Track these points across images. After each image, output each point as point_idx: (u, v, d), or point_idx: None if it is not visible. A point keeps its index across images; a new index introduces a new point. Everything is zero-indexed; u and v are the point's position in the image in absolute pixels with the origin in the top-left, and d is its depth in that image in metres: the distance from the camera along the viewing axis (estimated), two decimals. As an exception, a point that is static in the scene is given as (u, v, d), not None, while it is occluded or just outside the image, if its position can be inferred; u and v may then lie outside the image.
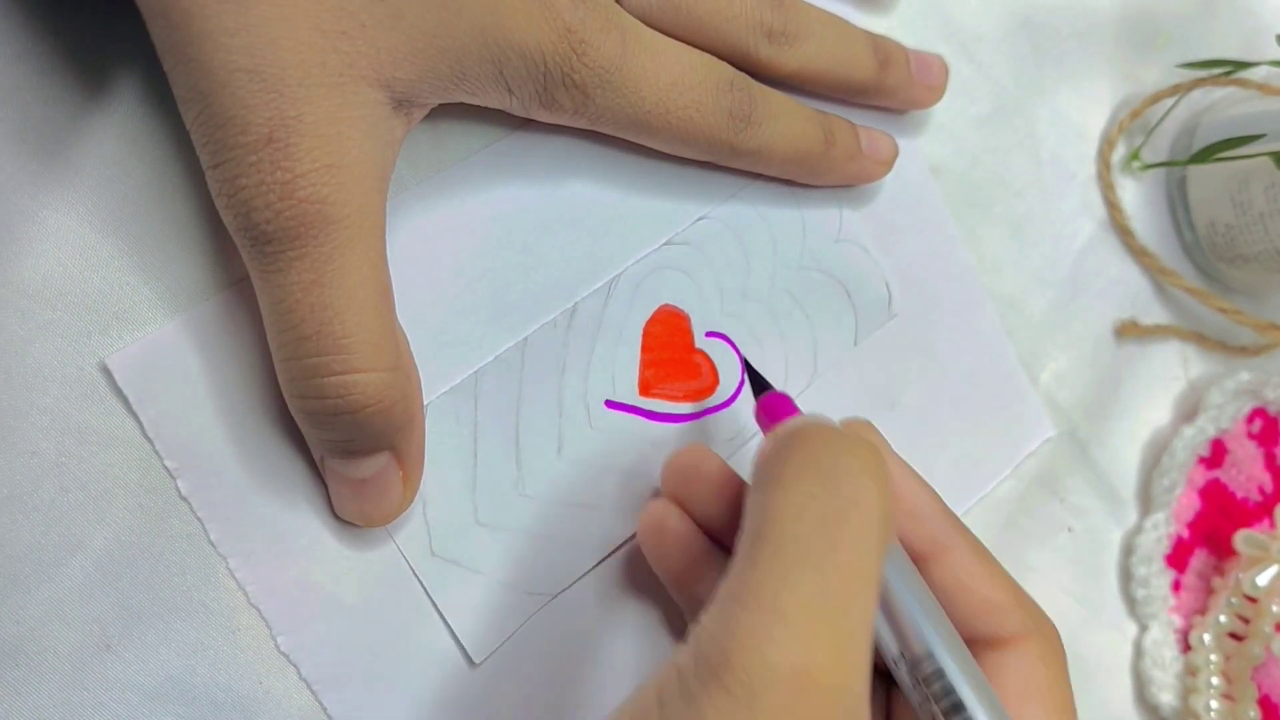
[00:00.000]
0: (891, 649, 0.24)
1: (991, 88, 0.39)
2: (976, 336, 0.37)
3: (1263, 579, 0.38)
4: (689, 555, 0.28)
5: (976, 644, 0.26)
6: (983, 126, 0.38)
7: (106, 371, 0.25)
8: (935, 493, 0.27)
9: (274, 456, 0.26)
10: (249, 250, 0.24)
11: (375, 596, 0.27)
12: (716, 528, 0.28)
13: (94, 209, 0.25)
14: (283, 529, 0.26)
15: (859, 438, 0.23)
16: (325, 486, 0.26)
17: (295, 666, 0.26)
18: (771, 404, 0.28)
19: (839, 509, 0.21)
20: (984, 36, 0.38)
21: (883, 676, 0.27)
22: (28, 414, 0.24)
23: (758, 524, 0.22)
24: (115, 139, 0.25)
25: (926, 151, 0.37)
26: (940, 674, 0.24)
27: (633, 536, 0.30)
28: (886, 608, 0.24)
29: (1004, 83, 0.39)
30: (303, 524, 0.26)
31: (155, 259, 0.26)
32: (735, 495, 0.28)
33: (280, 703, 0.26)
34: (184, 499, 0.25)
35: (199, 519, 0.25)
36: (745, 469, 0.32)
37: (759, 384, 0.29)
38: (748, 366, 0.30)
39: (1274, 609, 0.38)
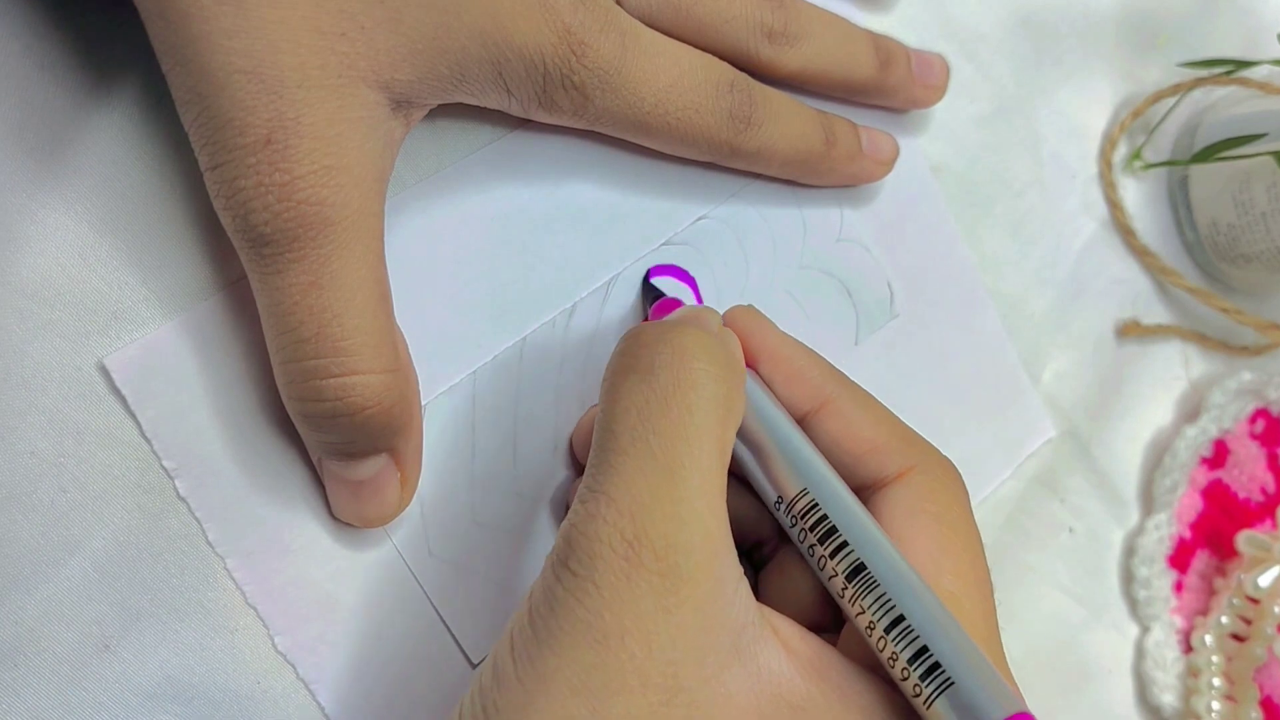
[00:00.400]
0: (770, 496, 0.25)
1: (992, 87, 0.39)
2: (977, 336, 0.37)
3: (1265, 580, 0.38)
4: None
5: (865, 489, 0.26)
6: (984, 126, 0.38)
7: (105, 371, 0.25)
8: (817, 355, 0.27)
9: (272, 457, 0.26)
10: (247, 252, 0.24)
11: (373, 597, 0.27)
12: None
13: (93, 209, 0.25)
14: (281, 529, 0.26)
15: (682, 321, 0.24)
16: (323, 487, 0.26)
17: (293, 666, 0.26)
18: (661, 310, 0.29)
19: (662, 393, 0.23)
20: (985, 36, 0.38)
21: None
22: (26, 414, 0.24)
23: (596, 429, 0.23)
24: (114, 139, 0.25)
25: (927, 151, 0.37)
26: (813, 507, 0.24)
27: None
28: (761, 470, 0.25)
29: (1005, 82, 0.39)
30: (300, 524, 0.26)
31: (154, 259, 0.26)
32: None
33: (278, 702, 0.26)
34: (182, 499, 0.25)
35: (197, 519, 0.25)
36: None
37: (652, 296, 0.30)
38: (645, 281, 0.31)
39: (1276, 610, 0.38)
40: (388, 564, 0.27)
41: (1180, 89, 0.40)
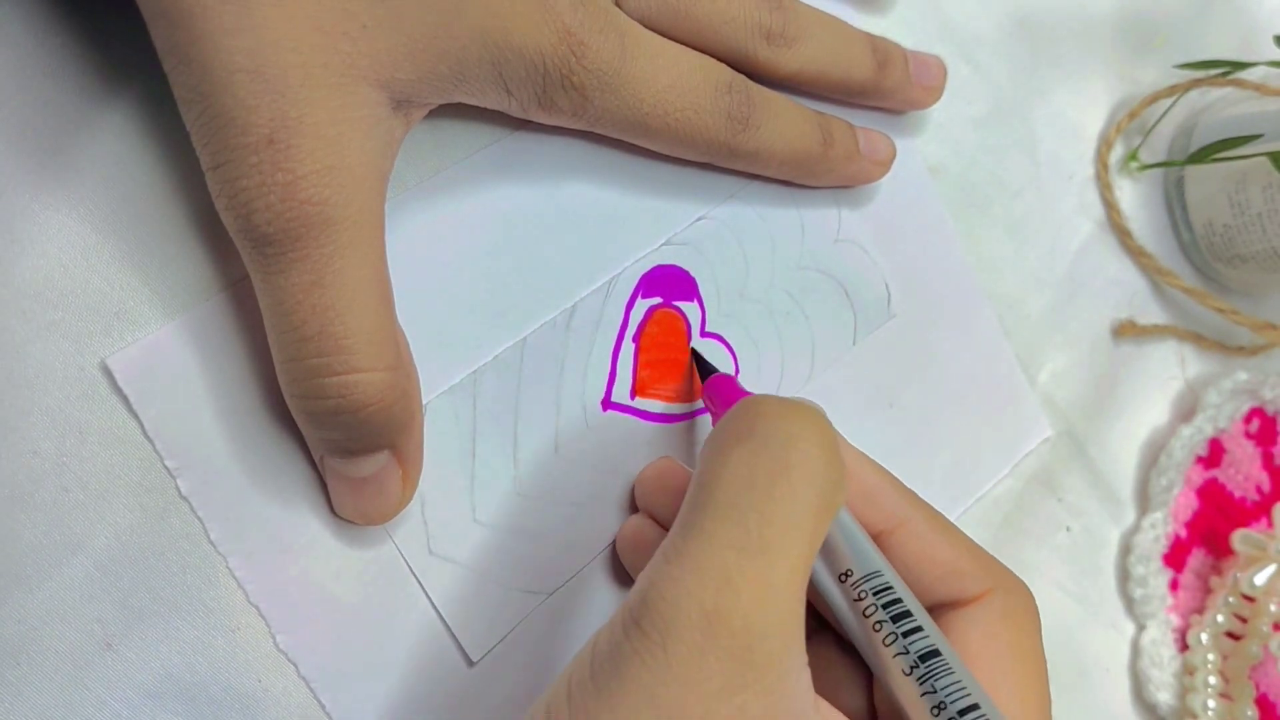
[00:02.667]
0: (837, 568, 0.24)
1: (989, 88, 0.39)
2: (974, 336, 0.37)
3: (1260, 578, 0.38)
4: None
5: (940, 608, 0.26)
6: (981, 127, 0.38)
7: (107, 371, 0.25)
8: (889, 473, 0.27)
9: (274, 456, 0.26)
10: (249, 251, 0.24)
11: (374, 595, 0.27)
12: None
13: (95, 209, 0.25)
14: (282, 528, 0.26)
15: (803, 405, 0.24)
16: (325, 485, 0.27)
17: (294, 665, 0.26)
18: (717, 385, 0.29)
19: (770, 471, 0.22)
20: (982, 37, 0.39)
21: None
22: (29, 413, 0.24)
23: (694, 489, 0.22)
24: (116, 139, 0.25)
25: (925, 152, 0.37)
26: (887, 588, 0.24)
27: None
28: (825, 547, 0.24)
29: (1002, 83, 0.39)
30: (302, 523, 0.26)
31: (156, 259, 0.26)
32: None
33: (279, 701, 0.26)
34: (184, 498, 0.25)
35: (199, 518, 0.25)
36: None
37: (706, 369, 0.30)
38: (695, 354, 0.31)
39: (1272, 608, 0.38)
40: (388, 562, 0.27)
41: (1176, 90, 0.40)
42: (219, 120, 0.22)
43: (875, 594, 0.24)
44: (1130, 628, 0.40)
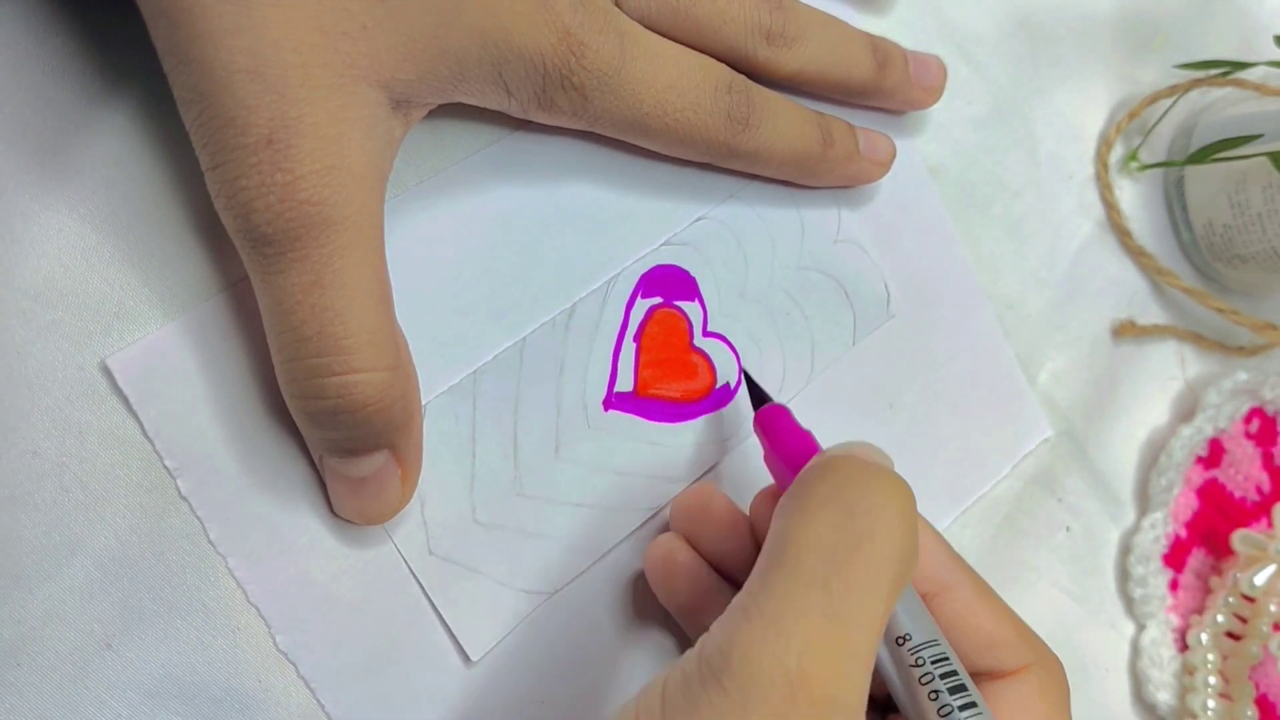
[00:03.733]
0: (896, 632, 0.25)
1: (989, 88, 0.39)
2: (974, 336, 0.37)
3: (1260, 578, 0.38)
4: (697, 588, 0.29)
5: (978, 677, 0.26)
6: (981, 127, 0.38)
7: (107, 371, 0.25)
8: (940, 535, 0.27)
9: (273, 456, 0.26)
10: (249, 252, 0.24)
11: (373, 595, 0.27)
12: (722, 563, 0.29)
13: (95, 210, 0.25)
14: (282, 528, 0.26)
15: (890, 474, 0.24)
16: (324, 485, 0.27)
17: (294, 665, 0.26)
18: (769, 416, 0.29)
19: (855, 539, 0.22)
20: (982, 37, 0.39)
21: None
22: (29, 414, 0.24)
23: (775, 547, 0.22)
24: (116, 139, 0.25)
25: (925, 152, 0.37)
26: (944, 658, 0.24)
27: (629, 535, 0.30)
28: (892, 628, 0.25)
29: (1002, 83, 0.39)
30: (301, 523, 0.26)
31: (156, 259, 0.26)
32: (742, 533, 0.29)
33: (279, 700, 0.26)
34: (184, 498, 0.25)
35: (199, 518, 0.26)
36: (740, 468, 0.32)
37: (758, 395, 0.30)
38: (747, 378, 0.31)
39: (1271, 608, 0.38)
40: (388, 563, 0.27)
41: (1177, 90, 0.40)
42: (218, 120, 0.22)
43: (934, 663, 0.24)
44: (1130, 628, 0.40)
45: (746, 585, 0.22)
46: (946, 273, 0.37)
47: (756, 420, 0.29)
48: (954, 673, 0.24)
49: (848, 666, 0.21)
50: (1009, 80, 0.39)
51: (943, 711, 0.23)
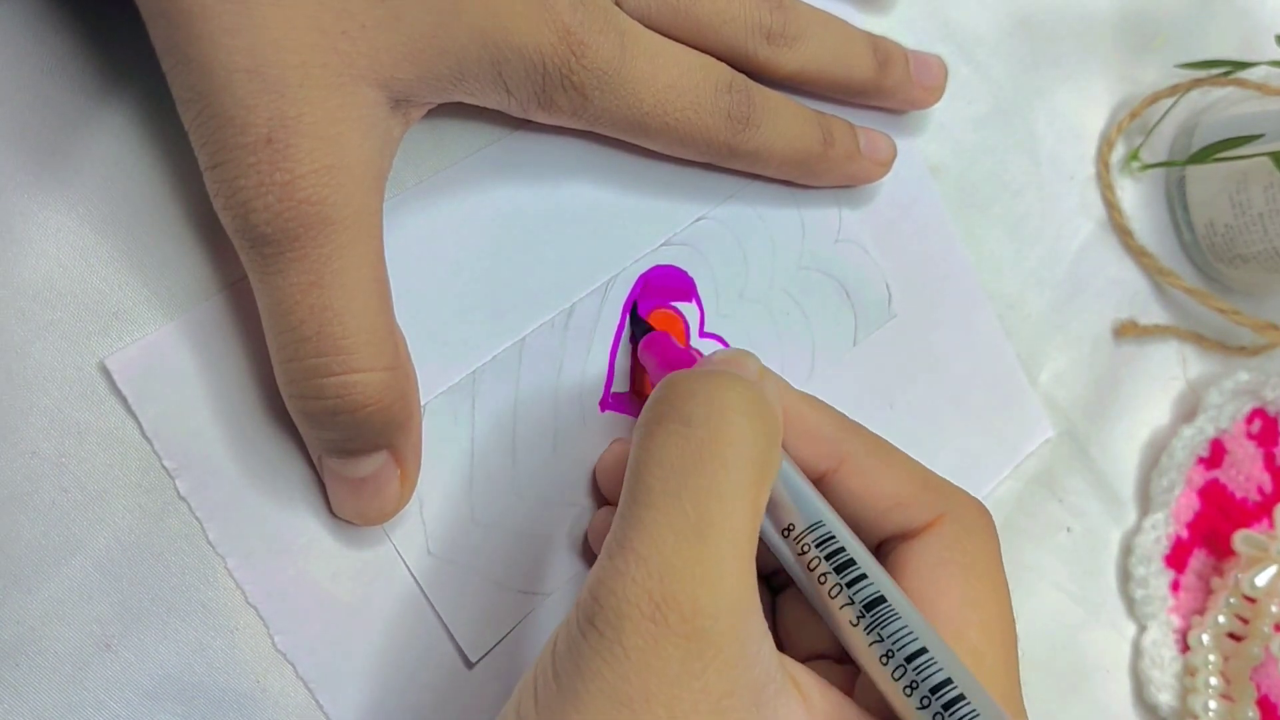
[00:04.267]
0: (779, 523, 0.24)
1: (990, 88, 0.39)
2: (976, 337, 0.37)
3: (1262, 579, 0.38)
4: None
5: (891, 541, 0.26)
6: (981, 127, 0.38)
7: (106, 372, 0.25)
8: (833, 410, 0.27)
9: (272, 456, 0.26)
10: (247, 252, 0.24)
11: (372, 595, 0.27)
12: None
13: (94, 210, 0.25)
14: (280, 528, 0.26)
15: (727, 377, 0.24)
16: (323, 486, 0.26)
17: (292, 665, 0.26)
18: (652, 346, 0.29)
19: (696, 449, 0.22)
20: (983, 37, 0.39)
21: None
22: (28, 414, 0.24)
23: (628, 477, 0.23)
24: (115, 139, 0.25)
25: (925, 152, 0.37)
26: (830, 538, 0.24)
27: None
28: (779, 519, 0.24)
29: (1003, 83, 0.39)
30: (300, 523, 0.26)
31: (155, 259, 0.26)
32: None
33: (278, 701, 0.26)
34: (183, 499, 0.25)
35: (197, 518, 0.25)
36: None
37: (640, 329, 0.30)
38: (633, 314, 0.31)
39: (1273, 609, 0.38)
40: (387, 563, 0.27)
41: (1178, 90, 0.40)
42: (217, 120, 0.22)
43: (818, 545, 0.24)
44: (1131, 628, 0.40)
45: (612, 525, 0.22)
46: (947, 273, 0.37)
47: (639, 353, 0.29)
48: (840, 550, 0.23)
49: (713, 577, 0.21)
50: (1010, 80, 0.39)
51: (833, 592, 0.23)
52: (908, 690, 0.22)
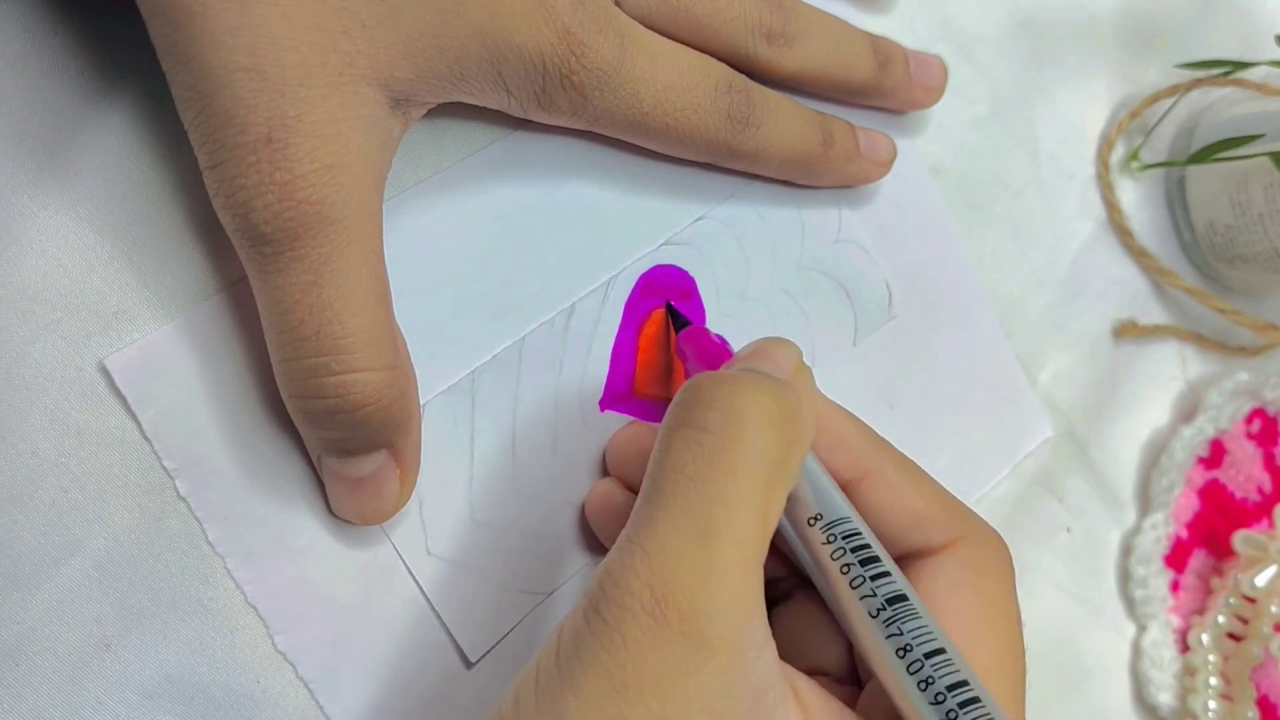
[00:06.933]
0: (807, 513, 0.24)
1: (990, 88, 0.39)
2: (975, 336, 0.37)
3: (1261, 579, 0.38)
4: None
5: (908, 558, 0.26)
6: (982, 127, 0.38)
7: (106, 372, 0.25)
8: (859, 420, 0.27)
9: (271, 457, 0.26)
10: (247, 251, 0.24)
11: (372, 595, 0.27)
12: None
13: (94, 210, 0.25)
14: (280, 529, 0.26)
15: (751, 379, 0.24)
16: (322, 486, 0.26)
17: (292, 665, 0.26)
18: (690, 340, 0.29)
19: (710, 454, 0.22)
20: (983, 37, 0.39)
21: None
22: (28, 414, 0.24)
23: (646, 479, 0.23)
24: (115, 141, 0.25)
25: (925, 152, 0.37)
26: (856, 533, 0.24)
27: None
28: (794, 494, 0.24)
29: (1003, 83, 0.39)
30: (300, 524, 0.26)
31: (155, 260, 0.26)
32: None
33: (278, 702, 0.26)
34: (182, 499, 0.25)
35: (197, 519, 0.25)
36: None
37: (680, 322, 0.30)
38: (669, 309, 0.31)
39: (1273, 609, 0.38)
40: (387, 563, 0.27)
41: (1178, 90, 0.40)
42: (217, 119, 0.22)
43: (844, 538, 0.24)
44: (1131, 629, 0.40)
45: (628, 522, 0.23)
46: (947, 273, 0.37)
47: (677, 344, 0.29)
48: (866, 545, 0.24)
49: (714, 581, 0.21)
50: (1010, 80, 0.39)
51: (855, 583, 0.23)
52: (922, 685, 0.22)
